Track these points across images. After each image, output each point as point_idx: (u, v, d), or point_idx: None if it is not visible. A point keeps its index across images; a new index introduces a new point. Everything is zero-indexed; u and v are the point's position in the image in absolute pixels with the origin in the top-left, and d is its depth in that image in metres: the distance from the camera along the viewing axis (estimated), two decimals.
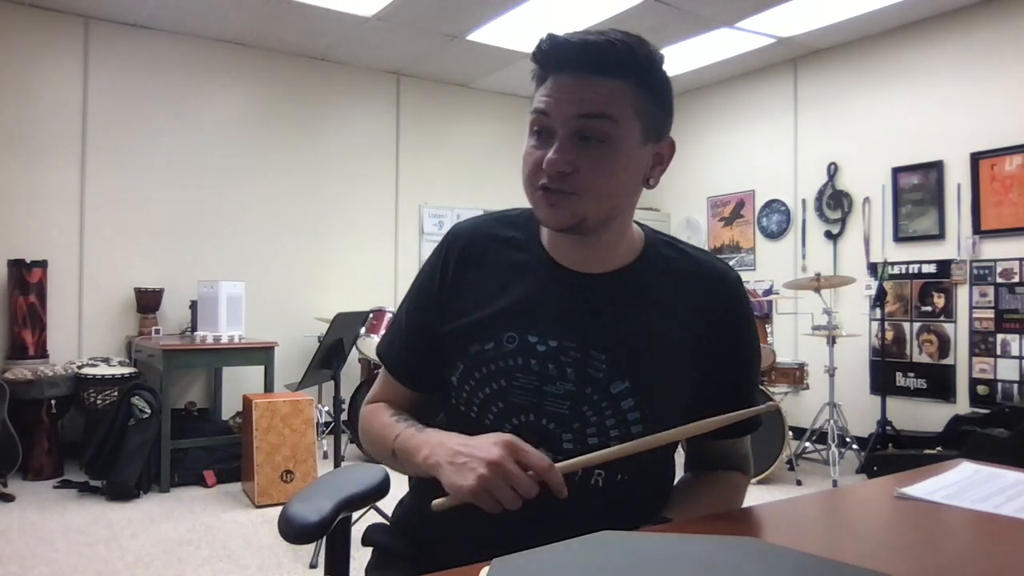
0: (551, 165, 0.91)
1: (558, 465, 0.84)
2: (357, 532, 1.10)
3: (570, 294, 0.99)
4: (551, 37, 0.93)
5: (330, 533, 1.00)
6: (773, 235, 5.58)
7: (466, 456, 0.85)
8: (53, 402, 4.07)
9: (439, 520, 1.00)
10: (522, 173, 0.98)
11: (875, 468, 4.02)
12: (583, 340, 0.96)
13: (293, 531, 0.96)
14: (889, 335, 4.78)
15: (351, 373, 5.09)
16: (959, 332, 4.48)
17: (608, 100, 0.91)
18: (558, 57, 0.93)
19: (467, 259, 1.04)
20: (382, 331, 4.55)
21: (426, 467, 0.92)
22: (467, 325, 1.01)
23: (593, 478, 0.96)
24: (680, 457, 1.11)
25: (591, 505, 0.95)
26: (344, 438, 3.97)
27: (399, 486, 1.12)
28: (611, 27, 0.96)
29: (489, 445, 0.85)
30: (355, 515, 1.14)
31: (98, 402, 4.07)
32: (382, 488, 1.14)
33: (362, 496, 1.09)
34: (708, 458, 1.09)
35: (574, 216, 0.93)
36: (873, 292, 4.65)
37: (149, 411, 3.86)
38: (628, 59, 0.91)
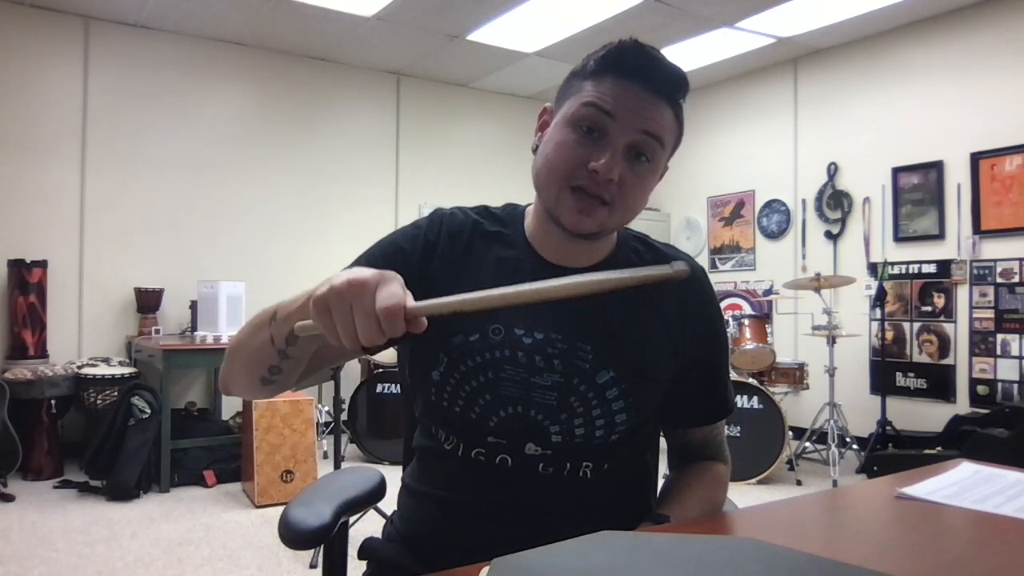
0: (608, 170, 0.89)
1: (411, 305, 0.71)
2: (355, 533, 1.10)
3: None
4: (636, 43, 0.92)
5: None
6: (773, 235, 5.58)
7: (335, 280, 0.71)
8: (53, 402, 4.07)
9: (438, 522, 1.00)
10: (549, 163, 0.93)
11: (875, 468, 4.02)
12: (569, 332, 0.97)
13: (295, 536, 0.95)
14: (889, 335, 4.78)
15: (351, 373, 5.09)
16: (959, 332, 4.47)
17: (664, 125, 0.93)
18: (637, 66, 0.91)
19: (455, 246, 1.03)
20: None
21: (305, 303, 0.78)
22: (452, 314, 0.98)
23: (581, 470, 0.98)
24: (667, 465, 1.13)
25: (582, 498, 0.98)
26: (344, 438, 3.97)
27: (396, 485, 1.12)
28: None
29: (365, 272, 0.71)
30: (352, 516, 1.14)
31: (98, 402, 4.07)
32: (379, 490, 1.14)
33: (361, 499, 1.09)
34: (688, 448, 1.11)
35: (598, 226, 0.94)
36: (873, 292, 4.65)
37: (149, 411, 3.86)
38: (683, 91, 0.96)
